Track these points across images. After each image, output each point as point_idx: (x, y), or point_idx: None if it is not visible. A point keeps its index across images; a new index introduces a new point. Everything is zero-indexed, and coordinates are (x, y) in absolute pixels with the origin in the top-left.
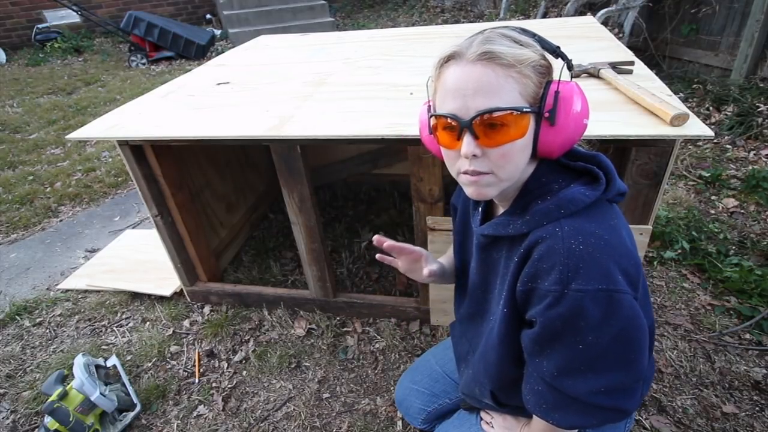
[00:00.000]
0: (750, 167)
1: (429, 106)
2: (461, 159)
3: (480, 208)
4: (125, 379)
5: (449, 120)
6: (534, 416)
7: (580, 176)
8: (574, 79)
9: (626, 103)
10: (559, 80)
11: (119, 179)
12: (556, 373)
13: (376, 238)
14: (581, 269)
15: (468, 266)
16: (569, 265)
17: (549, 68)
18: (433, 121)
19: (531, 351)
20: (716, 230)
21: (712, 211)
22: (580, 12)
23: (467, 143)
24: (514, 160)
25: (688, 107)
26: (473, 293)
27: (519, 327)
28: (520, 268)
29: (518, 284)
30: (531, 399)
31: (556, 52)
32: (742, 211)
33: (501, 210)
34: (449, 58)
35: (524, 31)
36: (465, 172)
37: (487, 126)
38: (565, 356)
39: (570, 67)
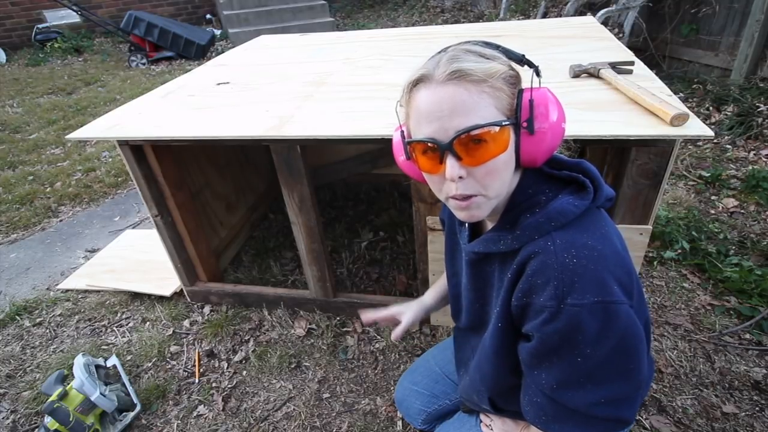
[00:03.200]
0: (750, 167)
1: (402, 131)
2: (447, 183)
3: (467, 224)
4: (125, 379)
5: (429, 144)
6: None
7: (566, 185)
8: (574, 79)
9: (626, 103)
10: (531, 87)
11: (119, 179)
12: (555, 385)
13: (364, 319)
14: (576, 283)
15: (460, 279)
16: (564, 280)
17: (518, 77)
18: (410, 147)
19: (529, 364)
20: (716, 230)
21: (712, 211)
22: (580, 12)
23: (451, 165)
24: (500, 175)
25: (688, 107)
26: (470, 308)
27: (514, 339)
28: (514, 284)
29: (513, 299)
30: (530, 410)
31: (522, 61)
32: (742, 211)
33: (489, 225)
34: (418, 82)
35: (487, 44)
36: (454, 197)
37: (469, 145)
38: (563, 369)
39: (538, 73)
